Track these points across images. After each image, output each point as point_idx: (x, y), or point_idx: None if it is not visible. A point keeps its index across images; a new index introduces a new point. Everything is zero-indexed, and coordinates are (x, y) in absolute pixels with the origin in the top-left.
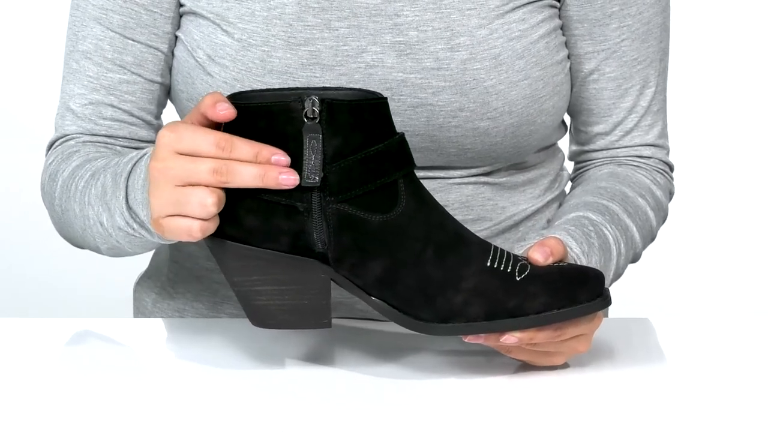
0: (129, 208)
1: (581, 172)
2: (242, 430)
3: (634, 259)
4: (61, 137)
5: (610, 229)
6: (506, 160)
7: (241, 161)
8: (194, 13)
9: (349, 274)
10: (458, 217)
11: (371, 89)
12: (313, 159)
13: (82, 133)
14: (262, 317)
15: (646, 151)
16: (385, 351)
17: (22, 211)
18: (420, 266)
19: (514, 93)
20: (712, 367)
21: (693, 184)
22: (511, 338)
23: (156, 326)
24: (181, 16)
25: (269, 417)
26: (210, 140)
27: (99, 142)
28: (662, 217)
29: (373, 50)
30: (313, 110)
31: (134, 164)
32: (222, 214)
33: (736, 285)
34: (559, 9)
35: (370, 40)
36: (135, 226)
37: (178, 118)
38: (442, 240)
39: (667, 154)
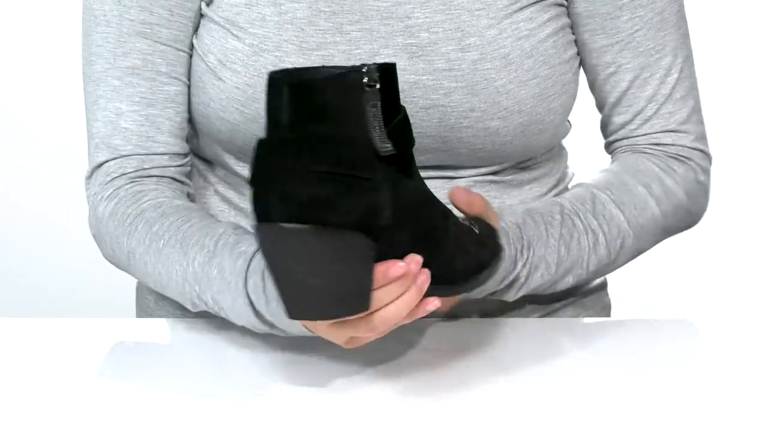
0: (263, 321)
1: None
2: (245, 429)
3: (633, 249)
4: (112, 159)
5: (583, 217)
6: (515, 159)
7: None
8: (205, 17)
9: (395, 247)
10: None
11: None
12: (377, 127)
13: (139, 154)
14: (305, 307)
15: (666, 138)
16: (385, 351)
17: (24, 211)
18: (439, 234)
19: (524, 92)
20: (715, 367)
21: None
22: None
23: (159, 326)
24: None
25: (272, 416)
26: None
27: (156, 168)
28: (674, 204)
29: (385, 53)
30: (374, 78)
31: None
32: (280, 195)
33: (734, 286)
34: (567, 7)
35: (382, 43)
36: (265, 328)
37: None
38: (444, 207)
39: (696, 140)
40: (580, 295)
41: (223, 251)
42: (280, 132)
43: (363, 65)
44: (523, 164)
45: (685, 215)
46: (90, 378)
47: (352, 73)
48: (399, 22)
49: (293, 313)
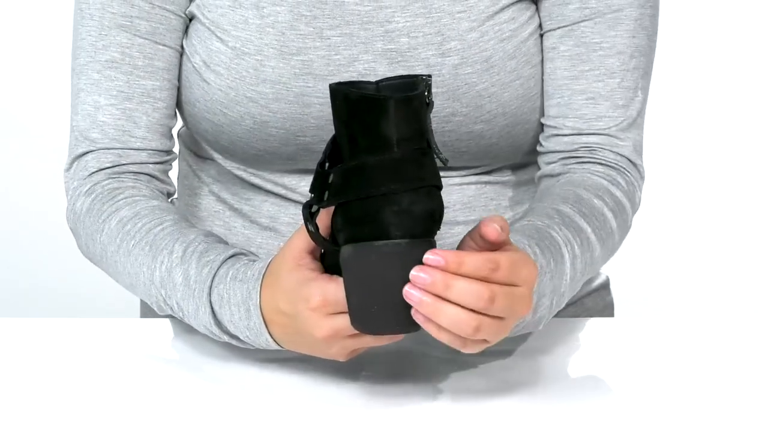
0: (227, 333)
1: (544, 176)
2: (248, 428)
3: (595, 263)
4: (89, 152)
5: (558, 230)
6: (504, 159)
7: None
8: (194, 17)
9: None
10: (460, 219)
11: None
12: (434, 139)
13: (116, 148)
14: (400, 320)
15: (603, 144)
16: (386, 352)
17: (24, 211)
18: None
19: (507, 94)
20: (715, 367)
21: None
22: (433, 258)
23: (163, 326)
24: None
25: (275, 416)
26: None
27: (133, 164)
28: (625, 217)
29: (364, 59)
30: (430, 92)
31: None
32: (365, 219)
33: (736, 285)
34: None
35: (362, 49)
36: (225, 338)
37: (180, 121)
38: None
39: (634, 152)
40: (583, 295)
41: (191, 258)
42: (390, 148)
43: (414, 76)
44: (516, 163)
45: (626, 231)
46: (93, 378)
47: (421, 86)
48: (379, 26)
49: (379, 327)
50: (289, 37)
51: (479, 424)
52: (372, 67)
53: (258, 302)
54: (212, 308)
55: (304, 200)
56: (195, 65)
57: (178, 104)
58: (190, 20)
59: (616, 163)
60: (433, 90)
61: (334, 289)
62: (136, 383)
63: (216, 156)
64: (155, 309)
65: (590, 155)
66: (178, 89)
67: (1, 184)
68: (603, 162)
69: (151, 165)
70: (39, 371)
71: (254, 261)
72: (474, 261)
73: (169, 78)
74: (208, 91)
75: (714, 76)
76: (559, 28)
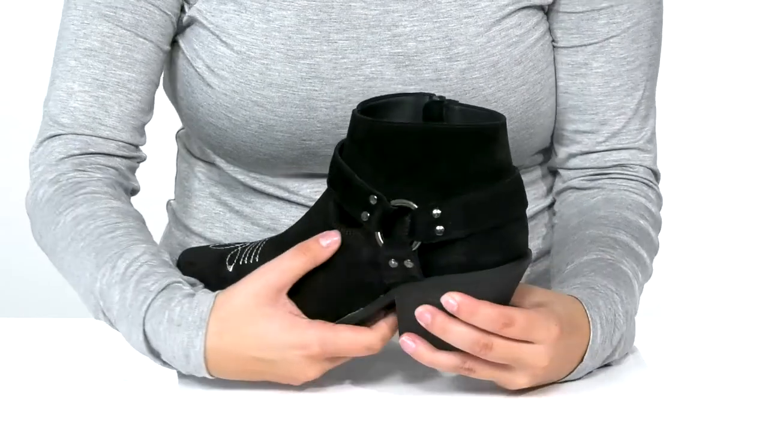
0: (156, 356)
1: (569, 188)
2: (248, 428)
3: (646, 280)
4: (58, 135)
5: (626, 263)
6: None
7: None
8: (195, 22)
9: None
10: None
11: None
12: None
13: (85, 134)
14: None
15: (634, 158)
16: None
17: (24, 211)
18: None
19: (513, 99)
20: (717, 367)
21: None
22: (450, 302)
23: None
24: (180, 22)
25: (275, 415)
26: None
27: (101, 155)
28: (659, 229)
29: (372, 62)
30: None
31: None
32: (501, 245)
33: (739, 285)
34: (544, 6)
35: (369, 52)
36: (151, 358)
37: (178, 122)
38: None
39: (653, 162)
40: None
41: (130, 281)
42: (512, 172)
43: (428, 94)
44: (519, 166)
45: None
46: (93, 378)
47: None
48: (386, 30)
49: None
50: (295, 41)
51: (477, 423)
52: (379, 71)
53: (202, 350)
54: (146, 336)
55: (306, 203)
56: (198, 70)
57: (180, 110)
58: (188, 26)
59: (645, 178)
60: (441, 94)
61: (332, 338)
62: (136, 383)
63: (218, 160)
64: (92, 315)
65: (621, 172)
66: (179, 95)
67: (1, 184)
68: (634, 178)
69: (118, 159)
70: (39, 371)
71: (192, 298)
72: (488, 313)
73: (146, 72)
74: (211, 96)
75: (714, 76)
76: (590, 44)
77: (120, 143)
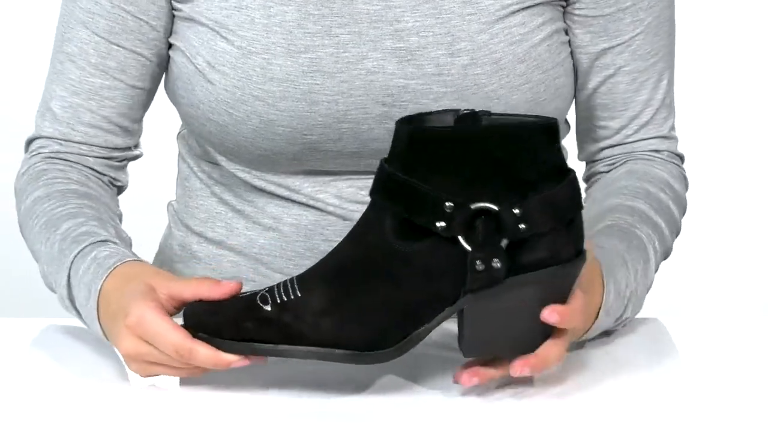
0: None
1: (597, 173)
2: (248, 428)
3: (666, 254)
4: (38, 137)
5: (641, 228)
6: None
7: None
8: (192, 20)
9: None
10: None
11: (372, 96)
12: None
13: (58, 138)
14: (518, 346)
15: (662, 145)
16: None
17: None
18: None
19: (516, 97)
20: (721, 367)
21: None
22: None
23: None
24: (175, 22)
25: (276, 415)
26: (170, 348)
27: (72, 154)
28: (682, 208)
29: (373, 56)
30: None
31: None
32: (569, 240)
33: (743, 284)
34: (564, 9)
35: (371, 47)
36: (74, 314)
37: (178, 122)
38: None
39: (677, 145)
40: None
41: (69, 235)
42: (569, 171)
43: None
44: None
45: (682, 217)
46: (93, 378)
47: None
48: (388, 25)
49: (489, 350)
50: (296, 36)
51: (477, 423)
52: (381, 65)
53: (98, 289)
54: (69, 281)
55: (307, 201)
56: (198, 67)
57: (180, 107)
58: (186, 24)
59: (671, 159)
60: (442, 90)
61: (164, 328)
62: (136, 383)
63: (219, 158)
64: (48, 288)
65: (649, 154)
66: (179, 93)
67: (1, 184)
68: (658, 158)
69: (91, 159)
70: (39, 371)
71: (117, 249)
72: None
73: (122, 78)
74: (212, 92)
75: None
76: (618, 45)
77: (93, 146)
